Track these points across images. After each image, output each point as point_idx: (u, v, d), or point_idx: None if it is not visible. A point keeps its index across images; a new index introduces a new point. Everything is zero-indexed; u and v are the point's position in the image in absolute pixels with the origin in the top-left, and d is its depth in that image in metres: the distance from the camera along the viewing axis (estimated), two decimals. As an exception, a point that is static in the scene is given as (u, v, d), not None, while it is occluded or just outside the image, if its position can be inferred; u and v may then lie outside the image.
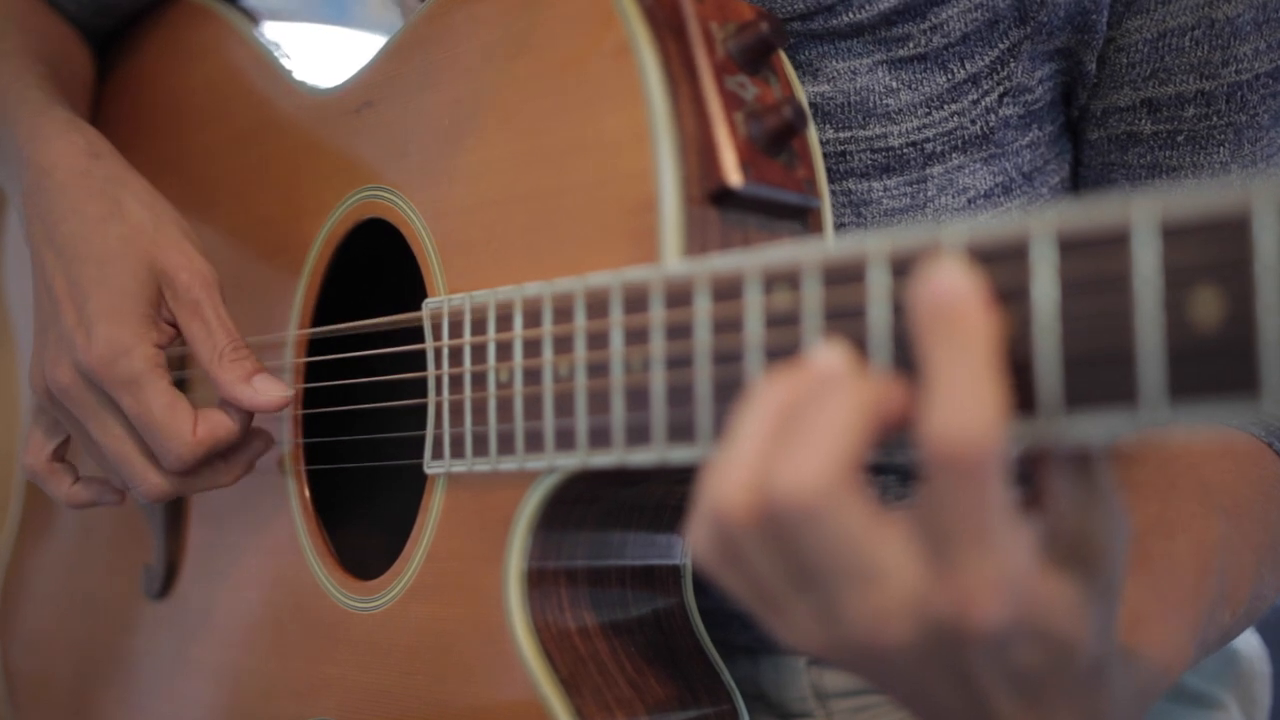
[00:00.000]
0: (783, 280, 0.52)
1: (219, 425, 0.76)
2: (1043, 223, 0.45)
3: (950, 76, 0.74)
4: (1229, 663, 0.87)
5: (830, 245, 0.51)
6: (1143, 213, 0.42)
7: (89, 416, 0.77)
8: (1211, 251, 0.41)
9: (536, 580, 0.67)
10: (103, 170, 0.81)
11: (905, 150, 0.75)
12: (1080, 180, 0.81)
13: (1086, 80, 0.76)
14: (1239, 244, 0.40)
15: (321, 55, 0.92)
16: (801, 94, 0.69)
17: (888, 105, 0.74)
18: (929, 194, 0.76)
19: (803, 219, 0.66)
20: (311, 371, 0.83)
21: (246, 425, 0.78)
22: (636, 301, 0.59)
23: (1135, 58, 0.74)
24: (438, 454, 0.71)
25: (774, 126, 0.63)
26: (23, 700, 1.07)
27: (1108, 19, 0.73)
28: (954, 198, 0.77)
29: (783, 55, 0.68)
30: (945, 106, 0.75)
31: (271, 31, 0.95)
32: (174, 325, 0.78)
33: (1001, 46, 0.74)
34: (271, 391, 0.76)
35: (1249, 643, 0.89)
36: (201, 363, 0.77)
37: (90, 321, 0.75)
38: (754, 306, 0.53)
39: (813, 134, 0.67)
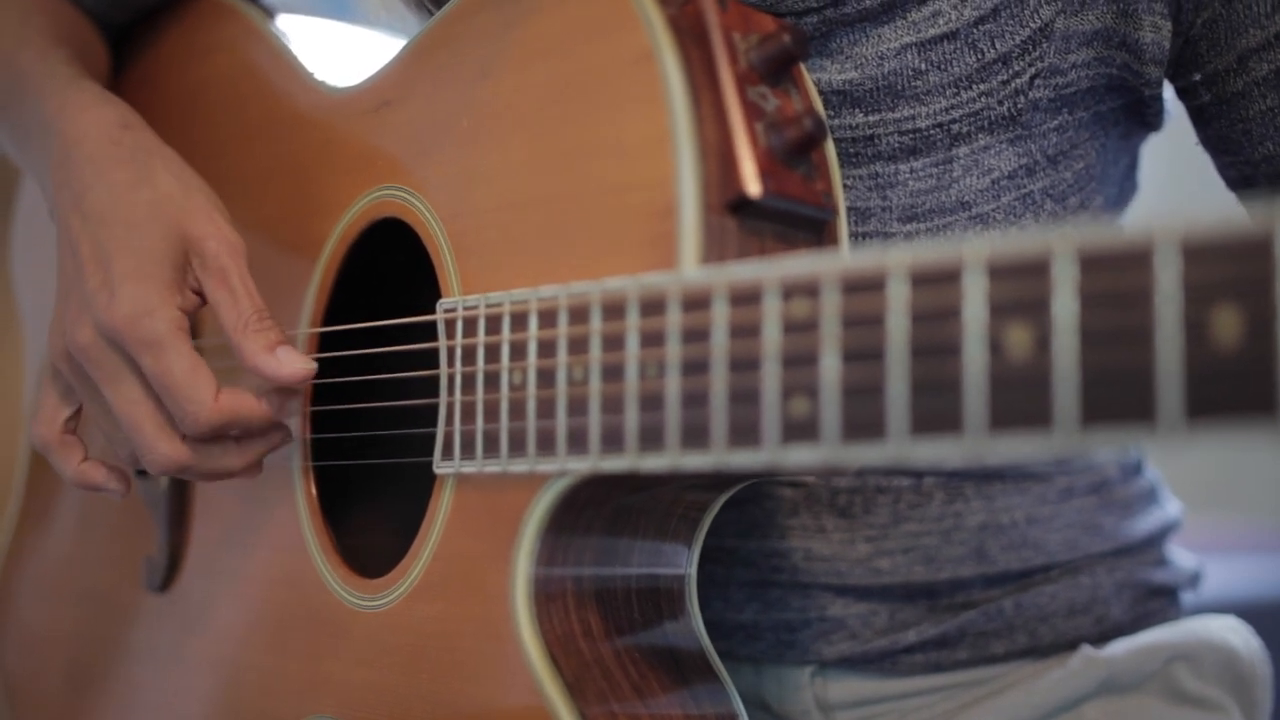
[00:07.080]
0: (801, 291, 0.53)
1: (243, 401, 0.74)
2: (1065, 240, 0.45)
3: (980, 56, 0.74)
4: (1229, 664, 0.87)
5: (850, 257, 0.52)
6: (1165, 232, 0.43)
7: (106, 378, 0.76)
8: (1233, 270, 0.41)
9: (544, 583, 0.67)
10: (133, 140, 0.81)
11: (932, 131, 0.76)
12: (1234, 146, 0.79)
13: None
14: (1261, 263, 0.41)
15: (323, 50, 0.92)
16: (820, 107, 0.69)
17: (916, 87, 0.75)
18: (954, 174, 0.77)
19: (819, 231, 0.67)
20: (321, 368, 0.83)
21: (270, 416, 0.76)
22: (654, 306, 0.59)
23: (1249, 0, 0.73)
24: (448, 454, 0.71)
25: (794, 138, 0.64)
26: (19, 695, 1.07)
27: None
28: (979, 178, 0.77)
29: (803, 69, 0.69)
30: (974, 86, 0.75)
31: (281, 25, 0.95)
32: (199, 294, 0.77)
33: (1033, 25, 0.74)
34: (295, 363, 0.74)
35: (1249, 644, 0.88)
36: (225, 331, 0.75)
37: (115, 282, 0.75)
38: (772, 313, 0.53)
39: (830, 148, 0.67)
